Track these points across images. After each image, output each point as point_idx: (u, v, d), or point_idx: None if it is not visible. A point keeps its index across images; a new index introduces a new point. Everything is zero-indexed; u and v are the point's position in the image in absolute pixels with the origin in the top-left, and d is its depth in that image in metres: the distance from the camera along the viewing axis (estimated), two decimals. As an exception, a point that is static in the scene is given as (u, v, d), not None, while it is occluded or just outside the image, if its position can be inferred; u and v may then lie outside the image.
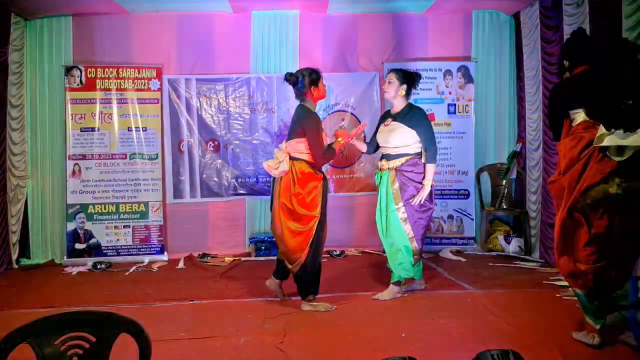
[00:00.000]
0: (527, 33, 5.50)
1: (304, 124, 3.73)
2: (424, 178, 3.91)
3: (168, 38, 5.65)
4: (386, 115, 4.10)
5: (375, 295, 4.00)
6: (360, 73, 5.81)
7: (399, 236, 3.91)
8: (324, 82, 3.88)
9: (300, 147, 3.74)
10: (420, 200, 3.88)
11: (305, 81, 3.77)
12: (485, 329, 3.35)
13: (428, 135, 3.90)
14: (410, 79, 3.97)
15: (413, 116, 3.91)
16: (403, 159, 3.90)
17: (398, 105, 3.99)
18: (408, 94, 3.99)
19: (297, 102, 3.88)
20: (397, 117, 3.95)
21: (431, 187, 3.93)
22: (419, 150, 3.94)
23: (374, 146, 4.19)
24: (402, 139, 3.89)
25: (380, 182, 4.02)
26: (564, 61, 3.15)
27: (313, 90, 3.79)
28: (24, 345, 1.48)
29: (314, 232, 3.71)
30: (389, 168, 3.93)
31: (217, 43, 5.71)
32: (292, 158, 3.75)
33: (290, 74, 3.84)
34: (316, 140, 3.69)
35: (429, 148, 3.90)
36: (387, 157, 3.97)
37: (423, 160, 3.93)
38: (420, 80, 4.10)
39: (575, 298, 3.67)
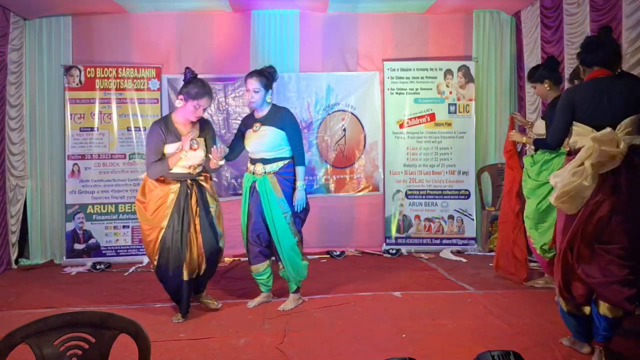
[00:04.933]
0: (527, 33, 5.50)
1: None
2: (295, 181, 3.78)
3: (167, 37, 5.63)
4: (252, 120, 3.82)
5: (279, 307, 3.82)
6: (361, 73, 5.79)
7: (288, 242, 3.78)
8: (201, 107, 3.55)
9: None
10: (302, 205, 3.75)
11: (183, 87, 3.57)
12: (486, 329, 3.35)
13: (296, 137, 3.76)
14: (271, 81, 3.77)
15: (281, 117, 3.75)
16: (281, 163, 3.74)
17: (264, 109, 3.80)
18: (271, 94, 3.82)
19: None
20: (265, 121, 3.74)
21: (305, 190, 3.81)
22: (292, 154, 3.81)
23: (236, 152, 3.94)
24: (274, 142, 3.72)
25: (252, 187, 3.82)
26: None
27: (179, 99, 3.57)
28: (23, 346, 1.47)
29: (158, 243, 3.59)
30: (266, 172, 3.74)
31: (216, 42, 5.69)
32: None
33: (189, 70, 3.65)
34: (146, 151, 3.64)
35: (297, 150, 3.76)
36: (263, 161, 3.75)
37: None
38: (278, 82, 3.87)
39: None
